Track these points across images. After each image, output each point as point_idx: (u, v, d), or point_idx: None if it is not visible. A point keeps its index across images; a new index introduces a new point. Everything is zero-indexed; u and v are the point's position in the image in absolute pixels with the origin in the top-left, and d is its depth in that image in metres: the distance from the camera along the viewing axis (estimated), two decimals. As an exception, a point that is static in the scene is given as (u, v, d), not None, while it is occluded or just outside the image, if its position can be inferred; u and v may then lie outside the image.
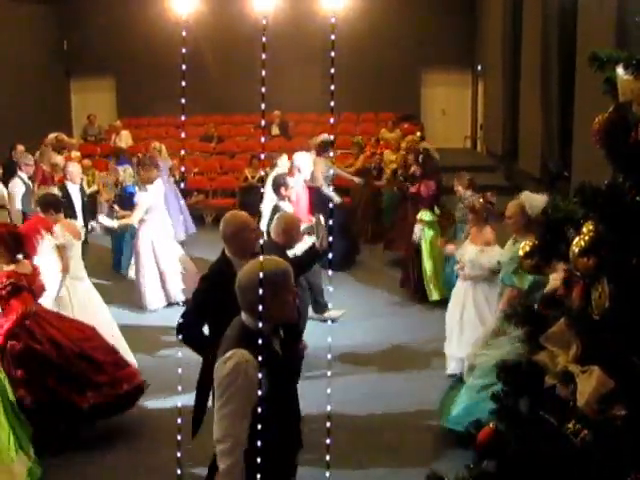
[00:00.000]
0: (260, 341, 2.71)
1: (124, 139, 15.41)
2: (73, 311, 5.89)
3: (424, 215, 8.04)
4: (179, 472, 3.76)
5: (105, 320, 6.15)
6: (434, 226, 8.04)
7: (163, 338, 7.14)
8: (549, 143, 10.50)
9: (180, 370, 3.66)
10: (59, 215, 6.17)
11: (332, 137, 11.86)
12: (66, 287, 5.97)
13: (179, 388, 3.75)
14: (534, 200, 5.19)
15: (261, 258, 2.81)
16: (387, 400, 5.77)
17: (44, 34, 17.37)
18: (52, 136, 11.01)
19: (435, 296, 7.93)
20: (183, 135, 14.50)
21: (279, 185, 7.20)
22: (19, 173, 9.00)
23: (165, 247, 8.28)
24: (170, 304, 8.17)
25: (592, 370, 2.05)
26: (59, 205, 6.30)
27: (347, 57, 17.29)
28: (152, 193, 8.25)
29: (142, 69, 17.34)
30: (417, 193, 8.34)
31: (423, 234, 7.98)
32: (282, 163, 9.15)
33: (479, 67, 17.54)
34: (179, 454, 3.55)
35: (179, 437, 3.51)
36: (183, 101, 3.50)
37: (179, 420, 3.52)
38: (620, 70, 2.39)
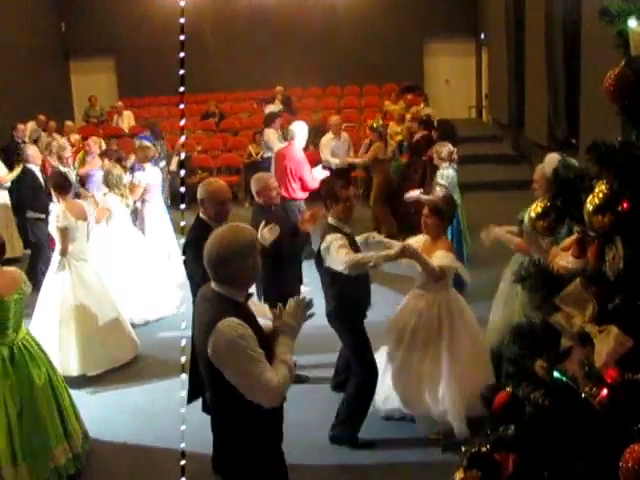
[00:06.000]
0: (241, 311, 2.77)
1: (126, 120, 15.33)
2: (77, 293, 5.87)
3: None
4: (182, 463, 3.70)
5: (110, 303, 6.13)
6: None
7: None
8: (555, 110, 10.37)
9: (183, 359, 3.66)
10: (66, 196, 6.10)
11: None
12: (69, 269, 5.92)
13: (182, 376, 3.75)
14: (552, 158, 5.08)
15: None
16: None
17: (41, 16, 17.20)
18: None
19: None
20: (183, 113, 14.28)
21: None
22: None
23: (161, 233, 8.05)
24: None
25: (610, 329, 2.00)
26: (66, 187, 6.16)
27: (348, 29, 17.15)
28: (149, 173, 8.08)
29: (141, 48, 17.17)
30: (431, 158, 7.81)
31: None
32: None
33: (482, 35, 17.32)
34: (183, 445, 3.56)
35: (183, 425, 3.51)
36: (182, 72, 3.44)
37: (183, 410, 3.55)
38: (633, 22, 2.31)
